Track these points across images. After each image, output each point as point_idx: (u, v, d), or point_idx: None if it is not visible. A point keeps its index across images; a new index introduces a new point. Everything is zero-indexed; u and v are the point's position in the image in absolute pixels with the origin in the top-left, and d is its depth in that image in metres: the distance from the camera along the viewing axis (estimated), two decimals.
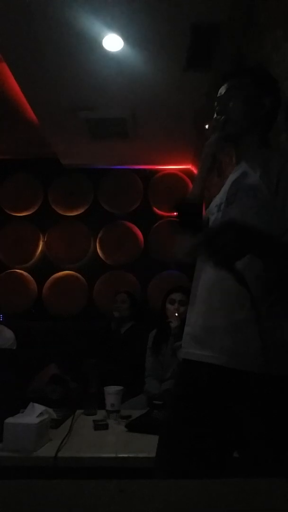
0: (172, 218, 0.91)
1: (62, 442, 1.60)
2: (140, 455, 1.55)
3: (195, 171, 4.27)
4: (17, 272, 4.20)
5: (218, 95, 1.21)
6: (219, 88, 1.22)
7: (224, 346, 0.99)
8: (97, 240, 4.25)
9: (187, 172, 4.31)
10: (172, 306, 2.71)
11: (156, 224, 4.23)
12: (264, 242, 0.93)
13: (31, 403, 1.69)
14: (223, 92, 1.20)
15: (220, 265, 0.89)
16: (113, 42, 2.36)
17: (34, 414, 1.63)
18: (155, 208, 4.29)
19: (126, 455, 1.56)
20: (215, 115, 1.20)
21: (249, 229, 0.90)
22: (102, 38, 2.33)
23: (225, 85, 1.20)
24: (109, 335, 3.21)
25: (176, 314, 2.62)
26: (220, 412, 1.01)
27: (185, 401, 1.07)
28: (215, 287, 1.05)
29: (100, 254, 4.24)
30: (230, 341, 0.98)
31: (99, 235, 4.25)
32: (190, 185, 4.27)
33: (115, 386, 2.02)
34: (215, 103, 1.20)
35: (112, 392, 1.98)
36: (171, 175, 4.32)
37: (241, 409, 0.97)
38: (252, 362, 0.95)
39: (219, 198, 1.18)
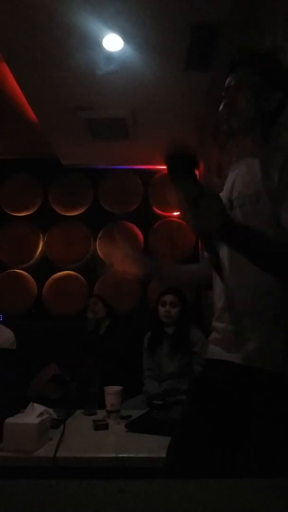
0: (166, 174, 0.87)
1: (59, 441, 1.60)
2: (140, 455, 1.55)
3: None
4: (17, 272, 4.20)
5: (226, 85, 1.12)
6: (227, 78, 1.12)
7: (251, 346, 0.99)
8: (97, 240, 4.25)
9: None
10: (163, 308, 2.69)
11: (156, 224, 4.23)
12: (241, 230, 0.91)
13: (31, 403, 1.69)
14: (232, 83, 1.10)
15: (201, 234, 0.94)
16: (113, 42, 2.36)
17: (34, 414, 1.63)
18: (155, 208, 4.28)
19: (126, 455, 1.56)
20: (221, 107, 1.12)
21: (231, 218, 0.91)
22: (102, 38, 2.33)
23: (234, 74, 1.11)
24: (88, 337, 3.23)
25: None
26: (242, 412, 1.00)
27: (205, 402, 1.07)
28: (236, 290, 1.04)
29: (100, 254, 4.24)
30: (256, 341, 0.98)
31: (99, 235, 4.25)
32: None
33: (115, 386, 2.02)
34: (223, 93, 1.12)
35: (112, 392, 1.98)
36: None
37: (263, 409, 0.96)
38: (279, 362, 0.95)
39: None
